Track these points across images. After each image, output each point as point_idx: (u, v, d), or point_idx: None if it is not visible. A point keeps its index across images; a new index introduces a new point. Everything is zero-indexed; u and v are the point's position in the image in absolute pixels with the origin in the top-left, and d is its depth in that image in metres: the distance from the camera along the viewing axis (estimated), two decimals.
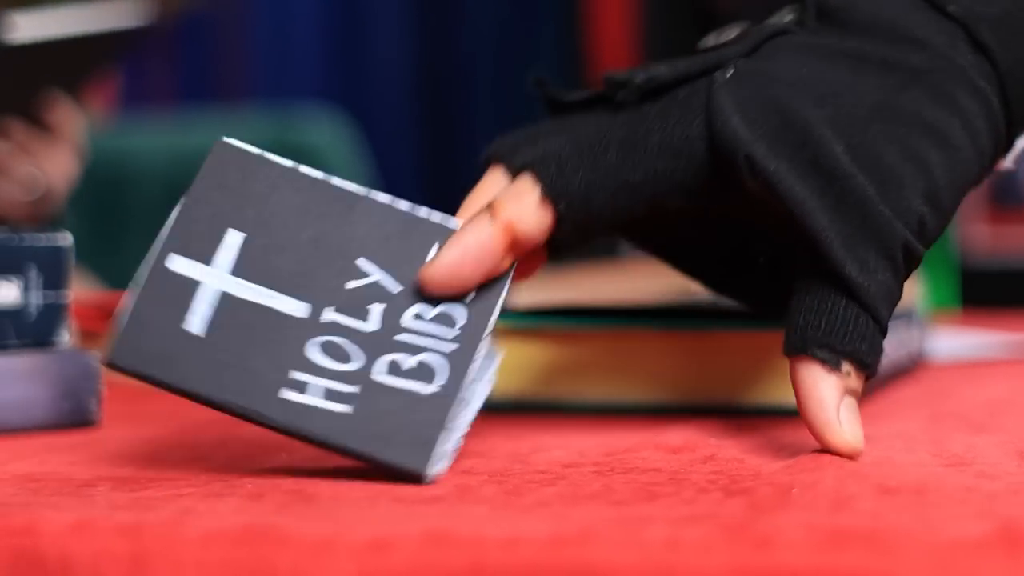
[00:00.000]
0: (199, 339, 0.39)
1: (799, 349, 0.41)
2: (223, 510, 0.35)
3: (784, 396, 0.52)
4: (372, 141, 2.08)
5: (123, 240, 1.75)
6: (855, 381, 0.41)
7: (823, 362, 0.40)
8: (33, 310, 0.52)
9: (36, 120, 1.10)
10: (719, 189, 0.43)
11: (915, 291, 0.67)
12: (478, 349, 0.40)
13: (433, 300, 0.40)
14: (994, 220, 2.19)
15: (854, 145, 0.41)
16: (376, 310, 0.40)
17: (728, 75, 0.43)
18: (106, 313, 0.70)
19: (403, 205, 0.41)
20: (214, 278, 0.39)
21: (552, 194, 0.41)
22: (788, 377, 0.42)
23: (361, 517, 0.34)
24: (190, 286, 0.39)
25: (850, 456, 0.40)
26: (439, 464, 0.38)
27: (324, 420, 0.39)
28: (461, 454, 0.40)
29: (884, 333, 0.41)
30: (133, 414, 0.56)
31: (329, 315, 0.39)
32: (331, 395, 0.39)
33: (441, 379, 0.39)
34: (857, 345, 0.40)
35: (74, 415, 0.52)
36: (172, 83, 2.41)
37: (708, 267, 0.50)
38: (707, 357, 0.52)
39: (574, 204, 0.42)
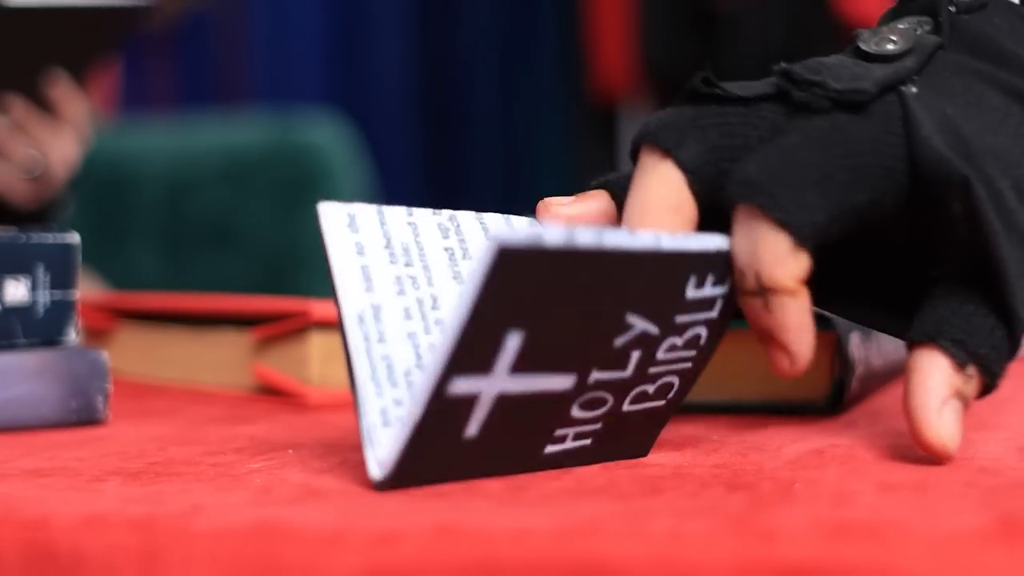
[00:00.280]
0: (473, 439, 0.37)
1: (929, 336, 0.39)
2: (233, 505, 0.35)
3: (787, 394, 0.52)
4: (372, 143, 2.08)
5: (124, 241, 1.76)
6: (972, 389, 0.40)
7: (951, 355, 0.39)
8: (41, 308, 0.52)
9: (38, 100, 1.09)
10: (913, 211, 0.41)
11: None
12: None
13: (684, 327, 0.40)
14: None
15: (1017, 179, 0.41)
16: (635, 355, 0.39)
17: (915, 91, 0.41)
18: (112, 312, 0.70)
19: (666, 243, 0.37)
20: (493, 385, 0.36)
21: (803, 241, 0.38)
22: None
23: (369, 511, 0.34)
24: (470, 401, 0.36)
25: (939, 457, 0.39)
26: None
27: (570, 457, 0.40)
28: None
29: (1013, 357, 0.40)
30: (140, 411, 0.56)
31: (595, 376, 0.39)
32: (579, 436, 0.40)
33: (671, 392, 0.41)
34: (990, 353, 0.39)
35: (82, 412, 0.52)
36: (173, 85, 2.41)
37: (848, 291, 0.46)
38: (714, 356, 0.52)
39: (810, 233, 0.39)
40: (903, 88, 0.41)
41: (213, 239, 1.73)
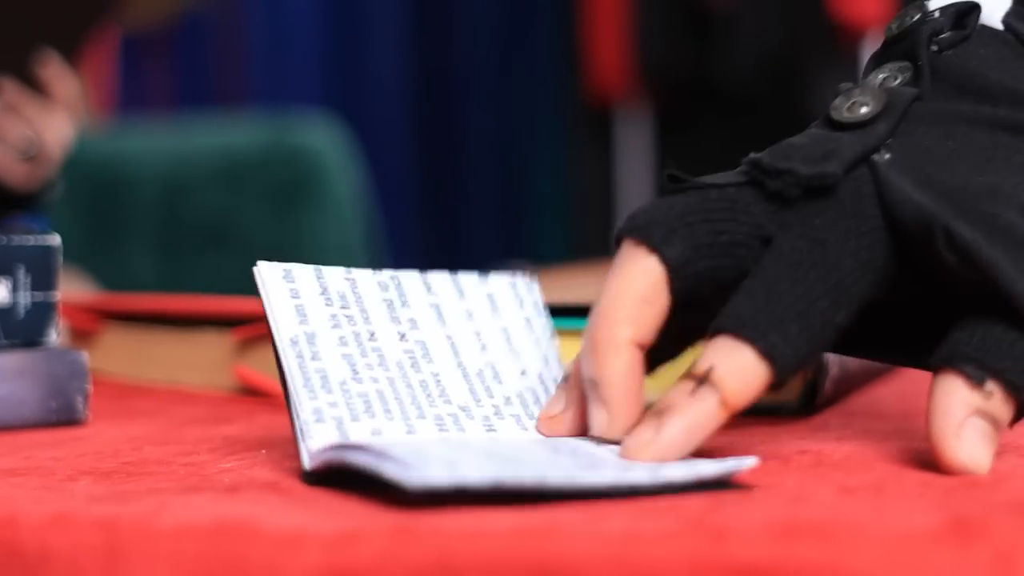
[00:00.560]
0: None
1: (944, 360, 0.39)
2: (198, 503, 0.36)
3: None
4: (368, 145, 2.09)
5: (120, 242, 1.76)
6: (999, 405, 0.39)
7: (966, 376, 0.39)
8: (22, 310, 0.53)
9: (29, 81, 1.09)
10: (906, 275, 0.41)
11: None
12: None
13: None
14: None
15: (1023, 204, 0.41)
16: None
17: (887, 157, 0.42)
18: (98, 313, 0.71)
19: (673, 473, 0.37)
20: None
21: (780, 371, 0.39)
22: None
23: (331, 511, 0.35)
24: None
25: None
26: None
27: None
28: None
29: None
30: (121, 411, 0.57)
31: None
32: None
33: None
34: (1009, 364, 0.39)
35: (61, 413, 0.53)
36: (170, 87, 2.42)
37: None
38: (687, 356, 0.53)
39: (793, 365, 0.39)
40: (875, 157, 0.42)
41: (209, 241, 1.74)
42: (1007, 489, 0.36)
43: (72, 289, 1.14)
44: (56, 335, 0.54)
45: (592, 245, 2.38)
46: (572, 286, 0.74)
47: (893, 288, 0.42)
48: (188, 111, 2.24)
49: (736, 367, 0.39)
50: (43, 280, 0.53)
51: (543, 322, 0.47)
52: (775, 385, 0.39)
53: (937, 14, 0.45)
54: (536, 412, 0.44)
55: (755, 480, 0.39)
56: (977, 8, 0.45)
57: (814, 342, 0.40)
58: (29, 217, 1.15)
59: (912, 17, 0.46)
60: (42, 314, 0.53)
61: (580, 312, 0.54)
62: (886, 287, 0.41)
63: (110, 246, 1.75)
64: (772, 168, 0.41)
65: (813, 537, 0.31)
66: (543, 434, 0.43)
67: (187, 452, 0.45)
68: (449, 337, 0.45)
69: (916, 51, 0.45)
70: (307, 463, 0.39)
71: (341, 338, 0.42)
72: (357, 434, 0.40)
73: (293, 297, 0.42)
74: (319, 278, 0.43)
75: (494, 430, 0.43)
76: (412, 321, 0.44)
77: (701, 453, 0.39)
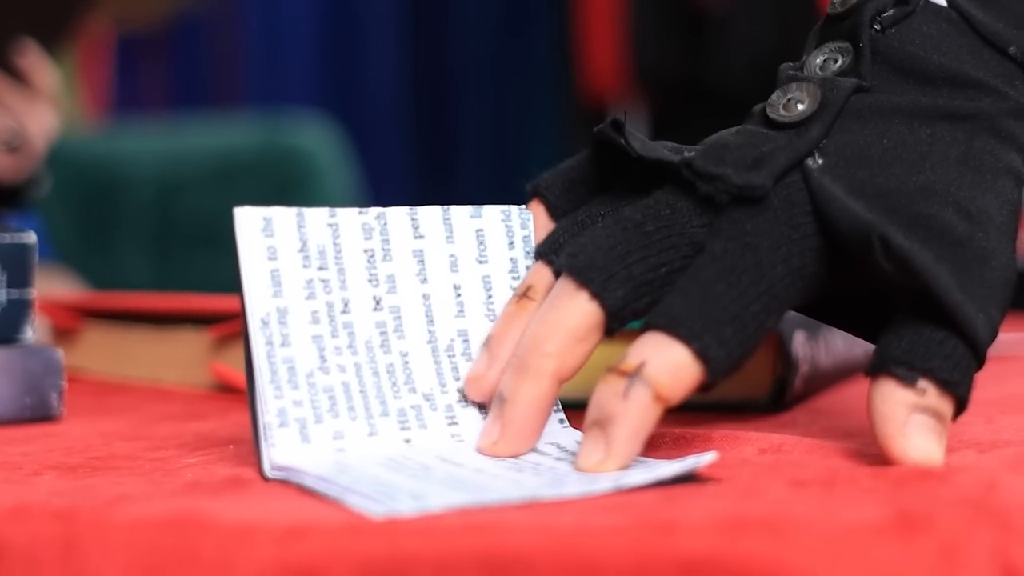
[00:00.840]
0: None
1: (876, 367, 0.40)
2: (156, 496, 0.36)
3: (728, 392, 0.53)
4: (363, 145, 2.09)
5: (113, 243, 1.77)
6: (935, 400, 0.39)
7: (898, 377, 0.39)
8: None
9: (10, 71, 1.08)
10: (842, 278, 0.42)
11: None
12: None
13: None
14: None
15: (958, 202, 0.41)
16: None
17: (820, 163, 0.42)
18: (79, 312, 0.71)
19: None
20: None
21: (712, 373, 0.39)
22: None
23: (284, 505, 0.35)
24: None
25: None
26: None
27: None
28: None
29: (980, 363, 0.40)
30: (97, 408, 0.57)
31: None
32: None
33: None
34: (938, 363, 0.39)
35: (36, 409, 0.53)
36: (164, 87, 2.42)
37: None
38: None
39: (726, 367, 0.40)
40: (808, 163, 0.42)
41: (203, 241, 1.74)
42: (957, 483, 0.36)
43: (56, 288, 1.14)
44: (32, 332, 0.54)
45: None
46: None
47: (833, 288, 0.42)
48: (183, 112, 2.24)
49: (669, 364, 0.39)
50: (19, 277, 0.54)
51: (528, 264, 0.46)
52: (706, 386, 0.40)
53: None
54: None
55: (711, 474, 0.39)
56: None
57: (746, 345, 0.40)
58: (20, 217, 1.16)
59: None
60: (18, 311, 0.54)
61: None
62: (815, 293, 0.42)
63: (104, 246, 1.75)
64: (704, 172, 0.42)
65: (758, 532, 0.31)
66: (469, 396, 0.43)
67: (155, 447, 0.46)
68: (426, 298, 0.44)
69: (858, 32, 0.44)
70: (268, 472, 0.39)
71: (314, 313, 0.41)
72: (319, 438, 0.40)
73: (270, 259, 0.41)
74: (300, 227, 0.42)
75: (456, 423, 0.43)
76: (390, 279, 0.43)
77: (656, 447, 0.40)
